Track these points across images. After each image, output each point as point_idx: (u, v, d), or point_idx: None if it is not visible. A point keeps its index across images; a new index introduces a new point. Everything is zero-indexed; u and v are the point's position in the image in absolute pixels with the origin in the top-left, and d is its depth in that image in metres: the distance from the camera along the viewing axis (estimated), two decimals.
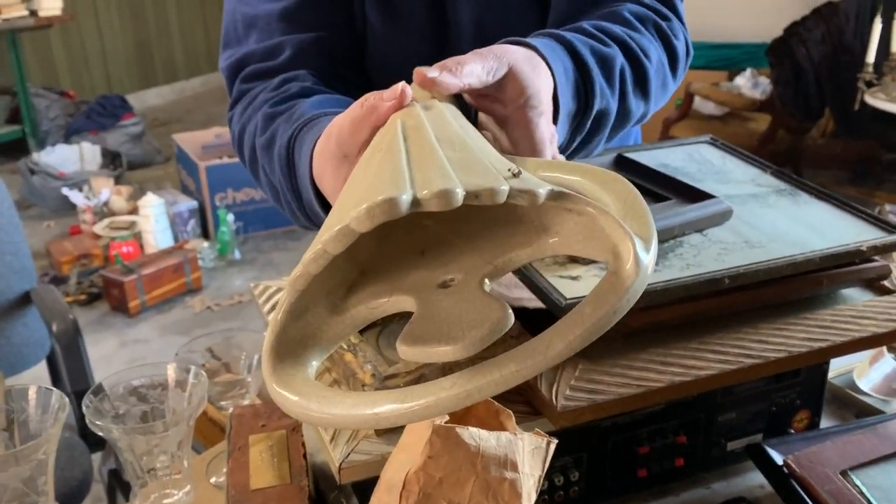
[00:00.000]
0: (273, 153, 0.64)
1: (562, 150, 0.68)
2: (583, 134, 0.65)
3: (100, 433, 0.59)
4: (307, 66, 0.71)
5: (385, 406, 0.35)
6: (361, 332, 0.62)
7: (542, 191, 0.37)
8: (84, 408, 0.58)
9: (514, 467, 0.42)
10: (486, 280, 0.41)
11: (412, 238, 0.44)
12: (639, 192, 0.44)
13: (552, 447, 0.45)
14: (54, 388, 0.58)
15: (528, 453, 0.43)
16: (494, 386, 0.34)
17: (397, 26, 0.76)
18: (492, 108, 0.54)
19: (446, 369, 0.54)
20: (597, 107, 0.64)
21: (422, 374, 0.54)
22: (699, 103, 3.56)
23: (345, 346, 0.58)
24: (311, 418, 0.37)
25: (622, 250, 0.38)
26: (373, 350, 0.57)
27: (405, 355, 0.37)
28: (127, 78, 5.41)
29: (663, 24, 0.74)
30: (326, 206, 0.58)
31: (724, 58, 3.75)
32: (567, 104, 0.60)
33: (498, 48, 0.54)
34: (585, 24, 0.68)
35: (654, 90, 0.72)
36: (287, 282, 0.40)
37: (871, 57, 2.66)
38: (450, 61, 0.50)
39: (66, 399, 0.58)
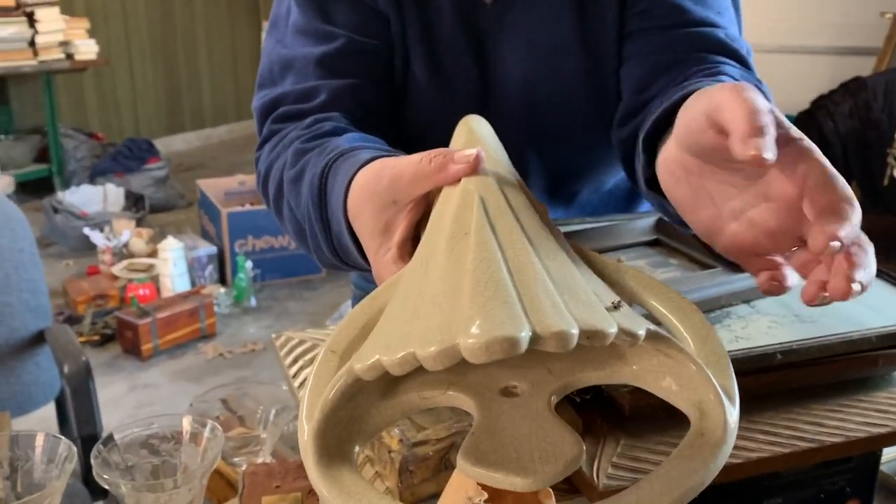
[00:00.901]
0: (302, 185, 0.62)
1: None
2: None
3: (106, 487, 0.55)
4: (342, 111, 0.70)
5: None
6: None
7: (642, 332, 0.36)
8: (93, 459, 0.55)
9: None
10: (554, 398, 0.39)
11: None
12: (714, 330, 0.42)
13: None
14: (63, 437, 0.55)
15: None
16: None
17: (441, 81, 0.74)
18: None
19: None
20: None
21: (453, 444, 0.50)
22: None
23: None
24: None
25: (709, 408, 0.37)
26: None
27: (466, 472, 0.34)
28: (155, 123, 5.51)
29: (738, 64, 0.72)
30: (356, 240, 0.56)
31: None
32: None
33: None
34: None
35: None
36: (353, 364, 0.37)
37: None
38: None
39: (75, 450, 0.55)
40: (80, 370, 1.27)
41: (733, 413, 0.37)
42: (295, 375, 0.67)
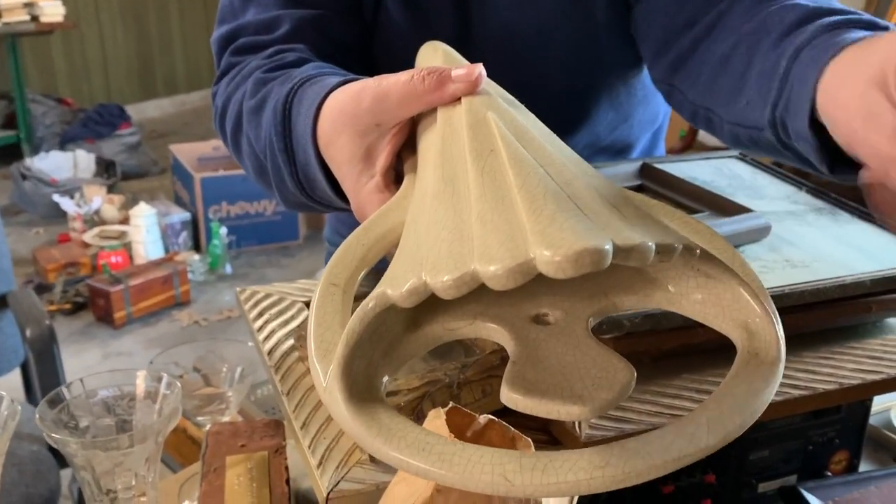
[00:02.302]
0: (263, 114, 0.57)
1: None
2: None
3: (55, 446, 0.51)
4: (305, 42, 0.65)
5: (519, 475, 0.29)
6: None
7: (679, 245, 0.33)
8: (38, 418, 0.51)
9: None
10: (591, 321, 0.37)
11: None
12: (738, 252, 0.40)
13: None
14: (4, 394, 0.51)
15: None
16: (656, 471, 0.30)
17: (417, 18, 0.70)
18: None
19: (454, 393, 0.47)
20: None
21: (425, 394, 0.47)
22: (703, 135, 3.53)
23: None
24: (412, 469, 0.31)
25: (759, 327, 0.35)
26: None
27: (515, 404, 0.31)
28: (127, 89, 5.37)
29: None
30: (326, 171, 0.52)
31: None
32: None
33: None
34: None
35: None
36: (377, 291, 0.33)
37: None
38: None
39: (18, 407, 0.51)
40: (43, 334, 1.23)
41: (781, 329, 0.36)
42: (260, 329, 0.63)
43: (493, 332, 0.37)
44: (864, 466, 0.69)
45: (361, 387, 0.34)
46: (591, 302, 0.38)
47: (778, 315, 0.37)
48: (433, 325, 0.37)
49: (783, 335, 0.36)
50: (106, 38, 5.18)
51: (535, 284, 0.36)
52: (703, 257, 0.36)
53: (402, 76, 0.44)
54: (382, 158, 0.46)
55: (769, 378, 0.34)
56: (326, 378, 0.33)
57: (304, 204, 0.58)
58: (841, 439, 0.65)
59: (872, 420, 0.77)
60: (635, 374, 0.33)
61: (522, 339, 0.35)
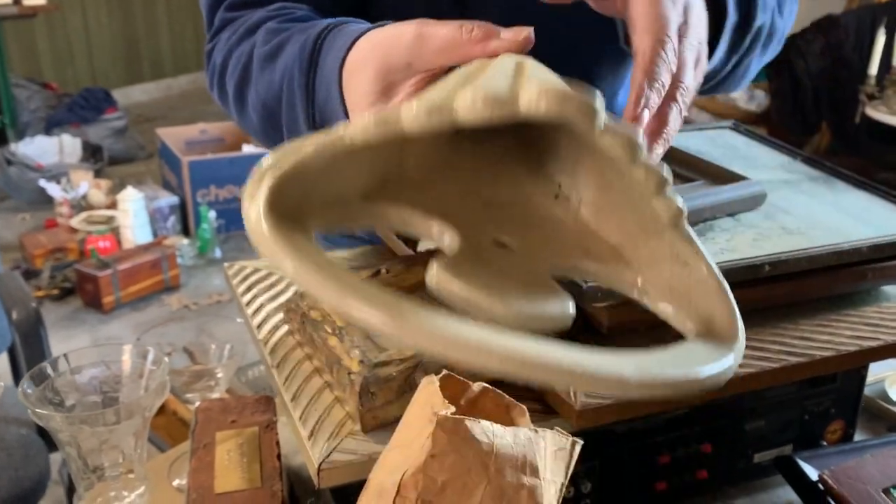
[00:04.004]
0: (279, 58, 0.55)
1: (715, 74, 0.61)
2: (739, 54, 0.59)
3: (39, 422, 0.50)
4: (306, 2, 0.63)
5: (538, 347, 0.26)
6: None
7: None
8: (21, 394, 0.50)
9: (535, 472, 0.34)
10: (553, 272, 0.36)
11: (473, 181, 0.38)
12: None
13: (577, 449, 0.37)
14: None
15: (550, 455, 0.36)
16: (543, 369, 0.27)
17: None
18: None
19: (446, 363, 0.46)
20: (758, 21, 0.57)
21: (418, 363, 0.46)
22: (694, 114, 3.52)
23: (329, 330, 0.50)
24: (310, 286, 0.27)
25: (724, 326, 0.35)
26: (361, 334, 0.49)
27: (438, 283, 0.30)
28: (112, 72, 5.30)
29: None
30: (345, 109, 0.49)
31: None
32: (731, 14, 0.53)
33: None
34: None
35: (786, 17, 0.66)
36: (362, 120, 0.32)
37: (873, 69, 2.63)
38: None
39: (2, 383, 0.49)
40: (29, 316, 1.21)
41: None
42: (249, 303, 0.62)
43: (446, 234, 0.35)
44: (859, 436, 0.69)
45: (289, 214, 0.30)
46: (555, 253, 0.37)
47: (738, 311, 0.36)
48: (390, 206, 0.35)
49: (743, 329, 0.35)
50: (90, 21, 5.11)
51: (509, 217, 0.35)
52: (686, 238, 0.35)
53: (449, 23, 0.42)
54: (399, 98, 0.44)
55: (719, 357, 0.32)
56: (260, 184, 0.30)
57: None
58: (836, 409, 0.65)
59: (867, 390, 0.77)
60: (573, 317, 0.32)
61: (474, 247, 0.34)
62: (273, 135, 0.60)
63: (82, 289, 2.67)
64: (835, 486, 0.56)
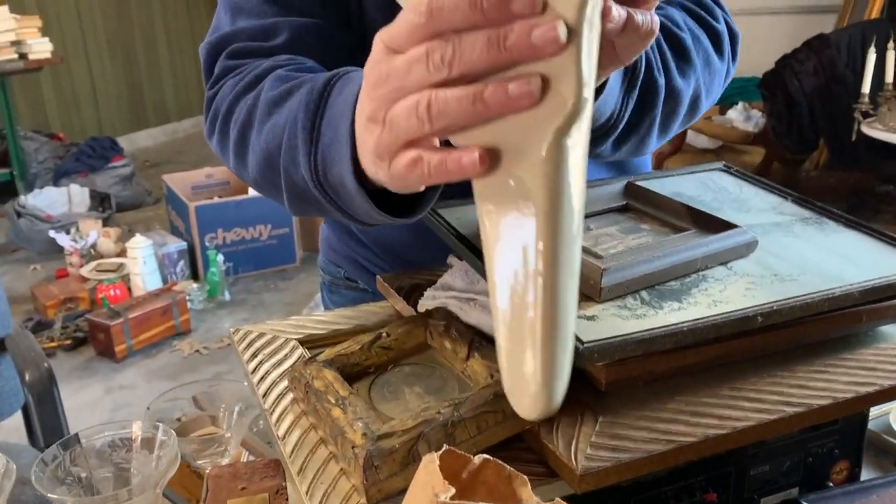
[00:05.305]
0: (287, 102, 0.56)
1: (616, 116, 0.63)
2: (633, 100, 0.60)
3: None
4: (307, 50, 0.64)
5: None
6: (352, 383, 0.55)
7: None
8: (34, 478, 0.51)
9: None
10: None
11: None
12: None
13: None
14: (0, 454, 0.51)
15: None
16: None
17: None
18: None
19: (448, 432, 0.47)
20: (643, 67, 0.59)
21: (421, 434, 0.47)
22: (692, 137, 3.54)
23: (332, 401, 0.51)
24: None
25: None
26: (364, 404, 0.50)
27: None
28: (118, 120, 5.39)
29: (690, 4, 0.71)
30: (353, 146, 0.48)
31: None
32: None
33: None
34: None
35: (699, 67, 0.67)
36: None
37: (866, 87, 2.64)
38: None
39: (13, 466, 0.51)
40: (42, 377, 1.23)
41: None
42: (254, 371, 0.63)
43: None
44: (865, 473, 0.69)
45: None
46: None
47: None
48: None
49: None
50: (94, 70, 5.20)
51: None
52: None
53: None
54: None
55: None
56: None
57: (305, 195, 0.56)
58: (840, 449, 0.65)
59: (872, 425, 0.77)
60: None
61: None
62: (271, 179, 0.60)
63: (94, 338, 2.69)
64: None
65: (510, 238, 0.36)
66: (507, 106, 0.34)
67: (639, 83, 0.62)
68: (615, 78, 0.56)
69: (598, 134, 0.64)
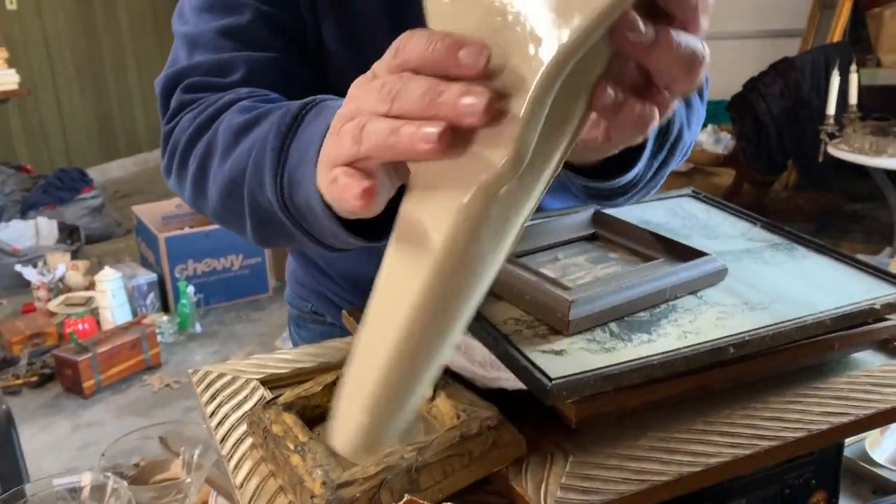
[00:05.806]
0: (253, 130, 0.55)
1: (638, 180, 0.63)
2: (660, 160, 0.61)
3: None
4: (265, 88, 0.63)
5: None
6: (313, 426, 0.52)
7: None
8: None
9: None
10: None
11: None
12: None
13: None
14: None
15: None
16: None
17: (357, 54, 0.69)
18: None
19: (413, 478, 0.45)
20: (678, 121, 0.60)
21: (384, 481, 0.45)
22: None
23: (291, 447, 0.48)
24: None
25: None
26: (324, 450, 0.48)
27: None
28: (88, 150, 5.32)
29: None
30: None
31: None
32: None
33: None
34: None
35: (702, 115, 0.69)
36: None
37: (831, 109, 2.68)
38: None
39: None
40: (0, 420, 1.18)
41: None
42: (213, 414, 0.60)
43: None
44: (843, 501, 0.68)
45: None
46: None
47: None
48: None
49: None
50: (63, 101, 5.14)
51: None
52: None
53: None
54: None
55: None
56: None
57: (271, 219, 0.55)
58: (817, 479, 0.64)
59: (848, 451, 0.76)
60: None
61: None
62: (234, 208, 0.59)
63: (62, 374, 2.63)
64: None
65: (396, 277, 0.34)
66: (412, 147, 0.34)
67: (668, 144, 0.62)
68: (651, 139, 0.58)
69: (618, 192, 0.64)
